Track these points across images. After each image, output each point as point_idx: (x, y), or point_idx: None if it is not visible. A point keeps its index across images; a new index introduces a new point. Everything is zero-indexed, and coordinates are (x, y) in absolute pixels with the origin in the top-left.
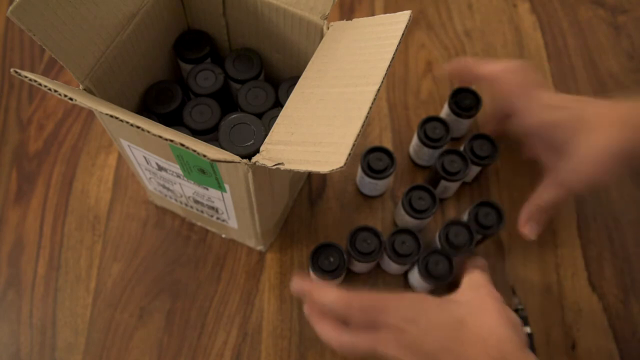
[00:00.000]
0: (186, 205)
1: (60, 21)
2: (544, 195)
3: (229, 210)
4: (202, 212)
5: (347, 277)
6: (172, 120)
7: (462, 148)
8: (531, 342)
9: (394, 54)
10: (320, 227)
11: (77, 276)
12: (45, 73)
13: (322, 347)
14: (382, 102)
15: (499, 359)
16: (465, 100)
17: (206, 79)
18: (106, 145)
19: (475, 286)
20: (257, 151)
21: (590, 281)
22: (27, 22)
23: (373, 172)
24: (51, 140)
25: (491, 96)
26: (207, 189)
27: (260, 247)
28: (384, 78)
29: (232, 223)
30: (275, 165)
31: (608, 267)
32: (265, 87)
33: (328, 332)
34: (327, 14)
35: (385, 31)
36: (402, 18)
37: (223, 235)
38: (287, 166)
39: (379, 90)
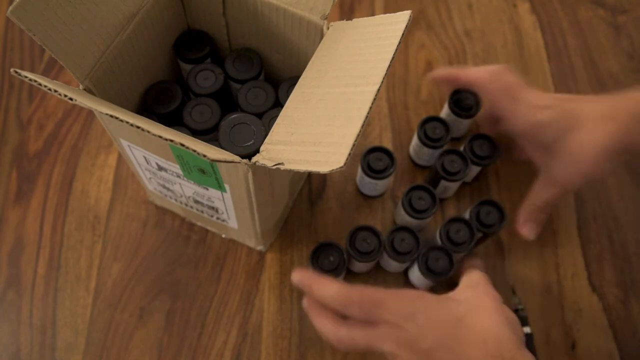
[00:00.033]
0: (186, 205)
1: (60, 21)
2: (539, 195)
3: (229, 210)
4: (202, 212)
5: (347, 277)
6: (172, 120)
7: (462, 148)
8: (531, 342)
9: (394, 54)
10: (320, 227)
11: (77, 276)
12: (45, 73)
13: (322, 347)
14: (382, 102)
15: (496, 357)
16: (465, 100)
17: (206, 79)
18: (106, 145)
19: (473, 285)
20: (257, 151)
21: (590, 281)
22: (27, 22)
23: (373, 172)
24: (51, 140)
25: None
26: (207, 189)
27: (260, 247)
28: (384, 78)
29: (232, 223)
30: (275, 165)
31: (608, 267)
32: (265, 87)
33: (326, 326)
34: (327, 14)
35: (385, 31)
36: (402, 18)
37: (223, 235)
38: (287, 166)
39: (379, 90)
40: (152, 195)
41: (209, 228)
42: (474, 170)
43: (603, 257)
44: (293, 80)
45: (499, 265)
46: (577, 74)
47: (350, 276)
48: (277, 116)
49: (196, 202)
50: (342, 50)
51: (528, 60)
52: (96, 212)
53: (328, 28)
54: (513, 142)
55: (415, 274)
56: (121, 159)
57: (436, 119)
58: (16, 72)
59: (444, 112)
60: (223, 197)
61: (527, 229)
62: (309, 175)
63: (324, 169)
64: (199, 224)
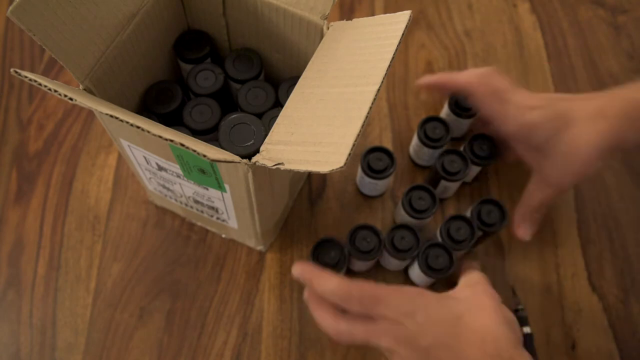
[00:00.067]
0: (186, 205)
1: (60, 21)
2: (533, 195)
3: (229, 210)
4: (202, 212)
5: (347, 275)
6: (172, 120)
7: (462, 148)
8: (531, 342)
9: (394, 54)
10: (320, 227)
11: (77, 276)
12: (45, 73)
13: (322, 347)
14: (382, 102)
15: (494, 356)
16: (465, 100)
17: (206, 79)
18: (106, 145)
19: (472, 284)
20: (257, 151)
21: (590, 281)
22: (27, 22)
23: (373, 172)
24: (51, 140)
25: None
26: (207, 189)
27: (260, 247)
28: (384, 78)
29: (232, 223)
30: (275, 165)
31: (608, 267)
32: (265, 87)
33: (326, 320)
34: (327, 14)
35: (385, 31)
36: (402, 18)
37: (223, 235)
38: (287, 166)
39: (379, 90)
40: (152, 195)
41: (209, 228)
42: (474, 170)
43: (603, 257)
44: (293, 80)
45: (499, 265)
46: (577, 74)
47: (351, 275)
48: (277, 116)
49: (196, 202)
50: (342, 50)
51: (528, 60)
52: (96, 212)
53: (328, 28)
54: (505, 144)
55: (415, 272)
56: (121, 159)
57: (436, 119)
58: (16, 72)
59: (444, 112)
60: (223, 197)
61: (522, 230)
62: (309, 175)
63: (324, 169)
64: (199, 224)
